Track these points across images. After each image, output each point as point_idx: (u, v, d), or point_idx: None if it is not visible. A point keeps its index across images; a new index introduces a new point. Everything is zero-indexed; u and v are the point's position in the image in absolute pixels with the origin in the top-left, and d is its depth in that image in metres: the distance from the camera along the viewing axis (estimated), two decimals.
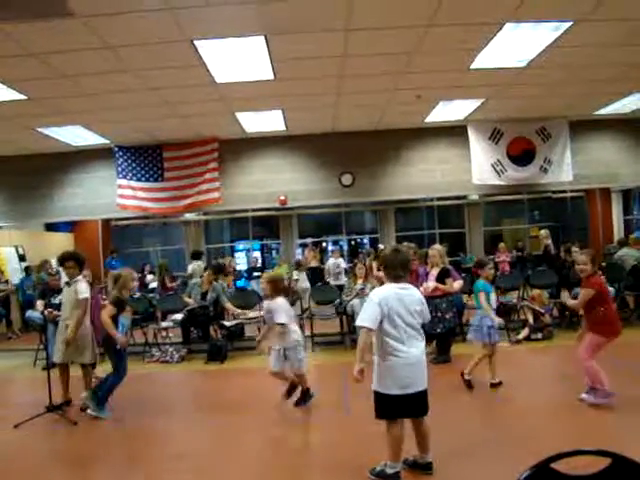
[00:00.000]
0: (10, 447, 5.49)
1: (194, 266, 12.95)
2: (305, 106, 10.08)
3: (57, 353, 6.58)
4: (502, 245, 16.64)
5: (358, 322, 4.20)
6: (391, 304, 4.10)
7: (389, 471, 4.19)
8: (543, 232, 13.85)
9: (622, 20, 6.83)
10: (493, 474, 4.26)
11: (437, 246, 8.66)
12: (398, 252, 4.38)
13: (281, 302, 6.25)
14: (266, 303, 6.62)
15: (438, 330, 7.90)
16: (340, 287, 10.57)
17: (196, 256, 13.70)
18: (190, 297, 10.05)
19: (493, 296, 6.74)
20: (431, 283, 7.94)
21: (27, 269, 13.26)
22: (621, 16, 6.69)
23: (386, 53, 7.58)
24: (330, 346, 9.47)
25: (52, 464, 5.16)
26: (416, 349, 4.15)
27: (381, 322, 4.09)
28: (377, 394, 4.19)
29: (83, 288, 6.52)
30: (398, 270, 4.25)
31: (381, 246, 14.76)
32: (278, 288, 6.40)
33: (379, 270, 8.68)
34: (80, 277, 6.68)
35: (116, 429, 6.02)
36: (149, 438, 5.66)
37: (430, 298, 7.27)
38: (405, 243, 9.55)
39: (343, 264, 14.13)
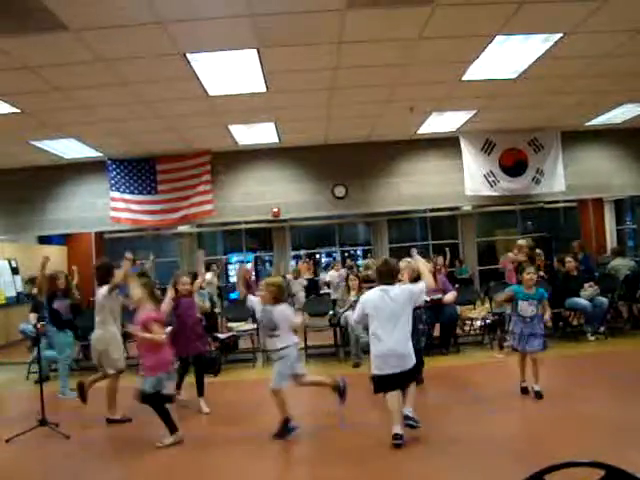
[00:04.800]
0: (1, 462, 5.42)
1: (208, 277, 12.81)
2: (297, 118, 10.11)
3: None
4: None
5: (353, 317, 5.59)
6: (375, 302, 5.17)
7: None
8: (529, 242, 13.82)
9: (612, 32, 6.90)
10: None
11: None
12: (387, 263, 5.49)
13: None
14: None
15: (422, 345, 7.48)
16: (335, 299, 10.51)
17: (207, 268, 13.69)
18: None
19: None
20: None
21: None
22: (611, 28, 6.76)
23: (378, 65, 7.63)
24: (324, 358, 9.44)
25: (43, 478, 5.11)
26: (395, 340, 5.02)
27: (367, 317, 5.18)
28: (372, 374, 5.16)
29: (98, 293, 6.90)
30: (387, 278, 5.31)
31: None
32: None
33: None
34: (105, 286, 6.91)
35: (108, 442, 5.98)
36: (140, 451, 5.59)
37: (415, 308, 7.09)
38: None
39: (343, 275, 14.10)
